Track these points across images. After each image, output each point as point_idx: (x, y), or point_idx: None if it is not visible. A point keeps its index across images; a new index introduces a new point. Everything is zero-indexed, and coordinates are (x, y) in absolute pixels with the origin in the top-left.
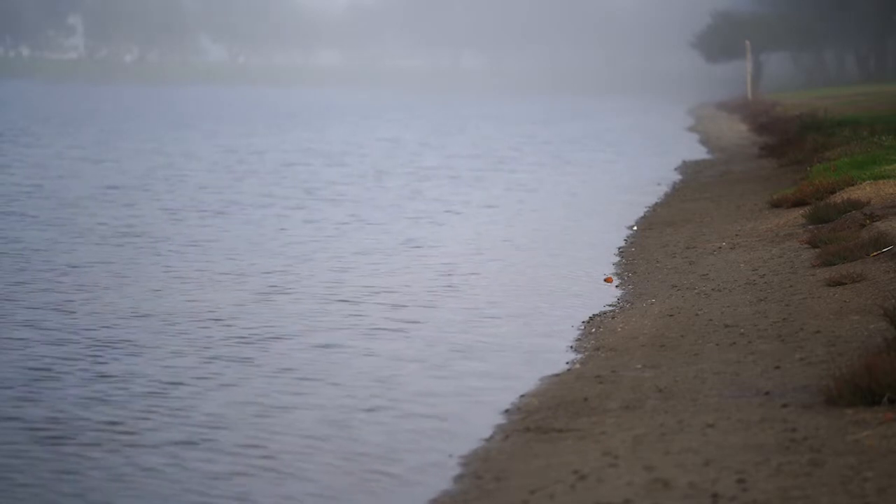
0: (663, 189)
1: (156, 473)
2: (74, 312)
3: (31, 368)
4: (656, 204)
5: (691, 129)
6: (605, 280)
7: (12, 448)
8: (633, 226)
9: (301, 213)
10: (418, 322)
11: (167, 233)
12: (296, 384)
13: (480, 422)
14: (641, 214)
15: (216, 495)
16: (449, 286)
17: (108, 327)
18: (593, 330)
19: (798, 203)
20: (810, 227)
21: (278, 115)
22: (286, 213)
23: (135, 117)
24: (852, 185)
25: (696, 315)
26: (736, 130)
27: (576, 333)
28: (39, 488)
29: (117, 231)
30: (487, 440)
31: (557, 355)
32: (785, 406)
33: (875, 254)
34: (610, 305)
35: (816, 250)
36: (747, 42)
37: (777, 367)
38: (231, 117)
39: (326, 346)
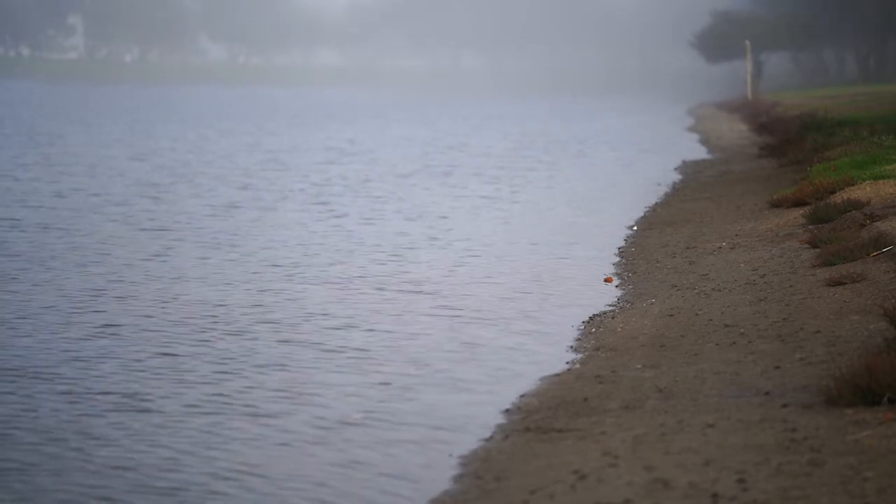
0: (663, 189)
1: (227, 441)
2: (138, 299)
3: (106, 352)
4: (656, 204)
5: (691, 128)
6: (605, 280)
7: (105, 419)
8: (633, 226)
9: (333, 208)
10: (418, 321)
11: (215, 226)
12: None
13: (480, 422)
14: (641, 214)
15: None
16: (448, 286)
17: (170, 314)
18: (593, 330)
19: (798, 203)
20: (810, 227)
21: (286, 114)
22: (320, 208)
23: (147, 117)
24: (852, 185)
25: (696, 315)
26: (736, 130)
27: (576, 333)
28: (135, 455)
29: (170, 225)
30: (487, 440)
31: (557, 355)
32: (785, 406)
33: (875, 254)
34: (610, 305)
35: (816, 250)
36: (747, 42)
37: (777, 367)
38: (240, 116)
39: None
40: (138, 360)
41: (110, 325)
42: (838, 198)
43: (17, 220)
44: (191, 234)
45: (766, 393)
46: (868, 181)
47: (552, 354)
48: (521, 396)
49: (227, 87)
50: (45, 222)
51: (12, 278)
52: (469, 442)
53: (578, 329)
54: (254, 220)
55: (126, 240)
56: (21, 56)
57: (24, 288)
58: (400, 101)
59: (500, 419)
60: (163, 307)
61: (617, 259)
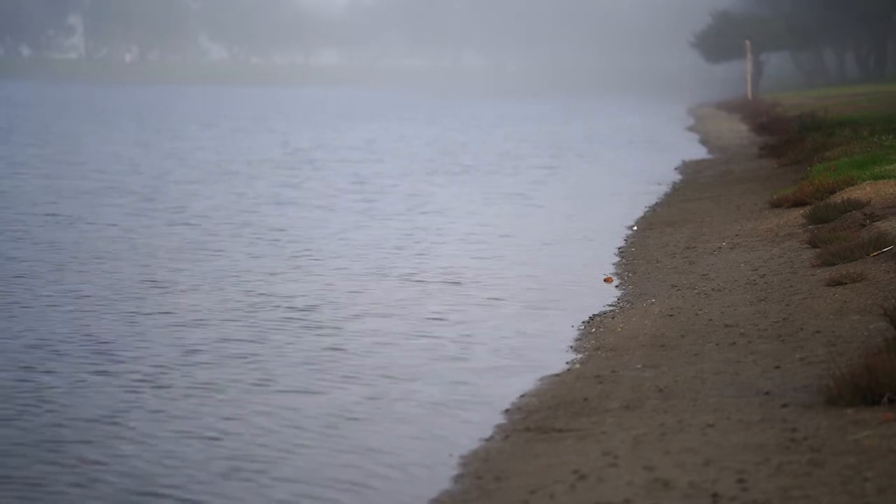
0: (663, 189)
1: (271, 414)
2: (197, 291)
3: (179, 344)
4: (656, 204)
5: (691, 128)
6: (605, 280)
7: (169, 397)
8: (633, 226)
9: (349, 204)
10: (418, 321)
11: (262, 222)
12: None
13: (480, 422)
14: (641, 214)
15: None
16: (448, 287)
17: (226, 303)
18: (593, 330)
19: (798, 203)
20: (810, 227)
21: (295, 114)
22: (340, 203)
23: (160, 116)
24: (852, 185)
25: (696, 315)
26: (736, 130)
27: (576, 333)
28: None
29: (216, 220)
30: (487, 440)
31: (557, 355)
32: (785, 406)
33: (875, 254)
34: (610, 305)
35: (816, 250)
36: (747, 42)
37: (777, 367)
38: (251, 116)
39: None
40: (199, 346)
41: (168, 312)
42: (838, 198)
43: (62, 215)
44: (238, 229)
45: (766, 393)
46: (868, 181)
47: (552, 354)
48: (521, 396)
49: (227, 86)
50: (89, 217)
51: (64, 269)
52: (469, 442)
53: (578, 329)
54: (298, 216)
55: (175, 234)
56: (21, 56)
57: (74, 278)
58: (404, 102)
59: (500, 419)
60: (213, 296)
61: (617, 259)
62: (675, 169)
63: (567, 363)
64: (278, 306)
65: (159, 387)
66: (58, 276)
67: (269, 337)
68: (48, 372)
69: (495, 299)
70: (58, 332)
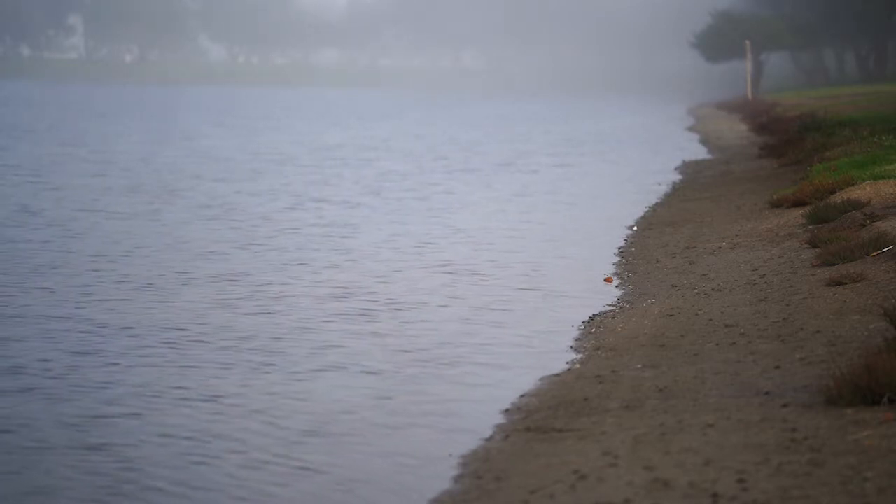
0: (663, 189)
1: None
2: (238, 281)
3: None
4: (656, 204)
5: (691, 128)
6: (605, 280)
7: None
8: (633, 226)
9: (377, 202)
10: (418, 320)
11: (302, 218)
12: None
13: (480, 422)
14: (641, 214)
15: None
16: (448, 286)
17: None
18: (593, 330)
19: (798, 203)
20: (810, 227)
21: (299, 113)
22: (369, 201)
23: (170, 116)
24: (852, 185)
25: (696, 315)
26: (736, 130)
27: (576, 333)
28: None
29: (257, 215)
30: (487, 440)
31: (557, 355)
32: (785, 406)
33: (875, 254)
34: (610, 305)
35: (816, 250)
36: (747, 42)
37: (777, 367)
38: (257, 116)
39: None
40: (254, 331)
41: (222, 300)
42: (838, 198)
43: (115, 212)
44: (281, 224)
45: (766, 393)
46: (868, 181)
47: (552, 354)
48: (521, 396)
49: (228, 86)
50: (143, 214)
51: (127, 262)
52: (469, 442)
53: (578, 329)
54: (334, 213)
55: (218, 230)
56: (21, 56)
57: (138, 270)
58: (405, 102)
59: (500, 419)
60: (267, 287)
61: (617, 259)
62: (675, 169)
63: (567, 363)
64: (304, 295)
65: (224, 367)
66: (123, 267)
67: (286, 323)
68: (118, 353)
69: (494, 299)
70: (128, 318)
